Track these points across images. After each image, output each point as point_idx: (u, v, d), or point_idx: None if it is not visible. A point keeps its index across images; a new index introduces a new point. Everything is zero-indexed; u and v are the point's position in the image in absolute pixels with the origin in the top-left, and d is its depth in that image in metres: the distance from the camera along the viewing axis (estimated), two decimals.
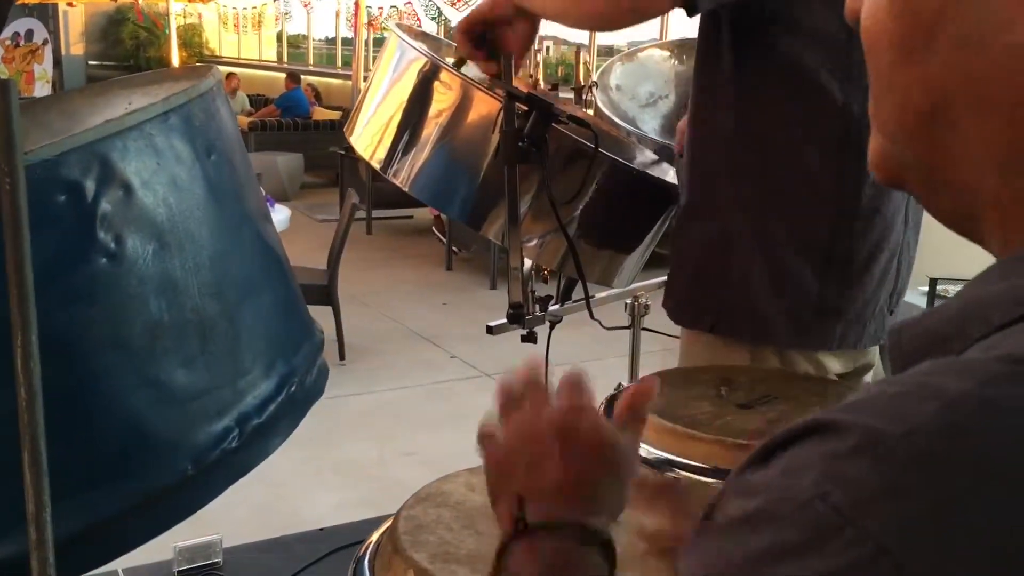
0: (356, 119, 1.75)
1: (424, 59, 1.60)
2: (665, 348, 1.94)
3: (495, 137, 1.51)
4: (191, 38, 15.69)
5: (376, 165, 1.66)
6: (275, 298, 1.08)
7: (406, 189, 1.64)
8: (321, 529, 1.97)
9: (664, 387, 1.37)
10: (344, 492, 3.76)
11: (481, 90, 1.57)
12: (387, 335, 5.81)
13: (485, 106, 1.54)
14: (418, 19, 9.57)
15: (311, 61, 14.96)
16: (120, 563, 2.40)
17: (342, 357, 5.15)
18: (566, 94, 4.03)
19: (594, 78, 2.34)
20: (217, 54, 16.20)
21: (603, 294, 1.95)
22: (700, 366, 1.57)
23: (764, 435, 0.43)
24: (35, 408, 0.82)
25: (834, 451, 0.38)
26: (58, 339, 0.85)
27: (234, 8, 15.26)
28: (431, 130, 1.60)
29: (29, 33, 14.96)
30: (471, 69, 1.74)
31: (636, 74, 2.50)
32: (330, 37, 15.40)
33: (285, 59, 15.79)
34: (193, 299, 0.95)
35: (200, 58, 15.82)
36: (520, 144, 1.46)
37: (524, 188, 1.53)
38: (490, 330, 1.82)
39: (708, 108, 1.60)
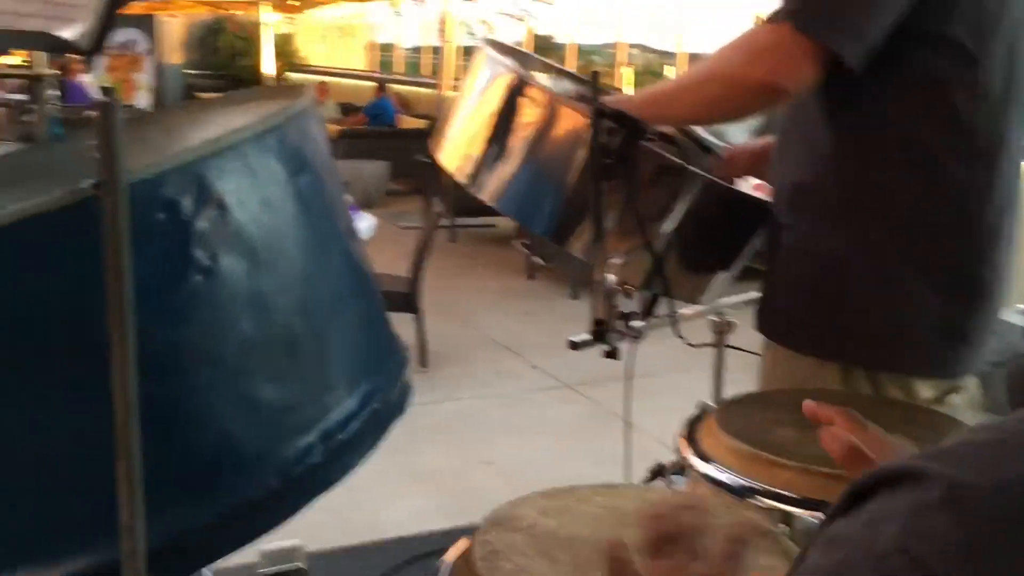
0: (443, 134, 1.77)
1: (512, 74, 1.61)
2: (747, 364, 1.90)
3: (582, 153, 1.51)
4: (284, 47, 16.07)
5: (462, 180, 1.67)
6: (361, 315, 1.09)
7: (492, 204, 1.64)
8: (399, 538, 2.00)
9: (746, 410, 1.35)
10: (422, 499, 3.80)
11: (569, 105, 1.57)
12: (469, 343, 5.84)
13: (572, 121, 1.54)
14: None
15: (398, 70, 15.18)
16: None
17: (424, 364, 5.20)
18: None
19: None
20: (308, 63, 16.56)
21: (688, 311, 1.92)
22: (783, 388, 1.53)
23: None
24: (131, 421, 0.85)
25: (918, 503, 0.37)
26: (154, 354, 0.88)
27: (325, 19, 15.60)
28: (517, 145, 1.60)
29: (132, 43, 15.53)
30: (556, 84, 1.74)
31: None
32: (418, 46, 15.62)
33: (374, 68, 16.06)
34: (283, 316, 0.96)
35: (292, 67, 16.20)
36: (606, 161, 1.45)
37: (610, 204, 1.52)
38: (574, 346, 1.81)
39: (809, 123, 1.55)
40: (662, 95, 1.60)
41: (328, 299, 1.03)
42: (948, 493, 0.36)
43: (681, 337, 1.81)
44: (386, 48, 16.71)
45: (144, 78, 15.36)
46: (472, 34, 10.89)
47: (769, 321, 1.66)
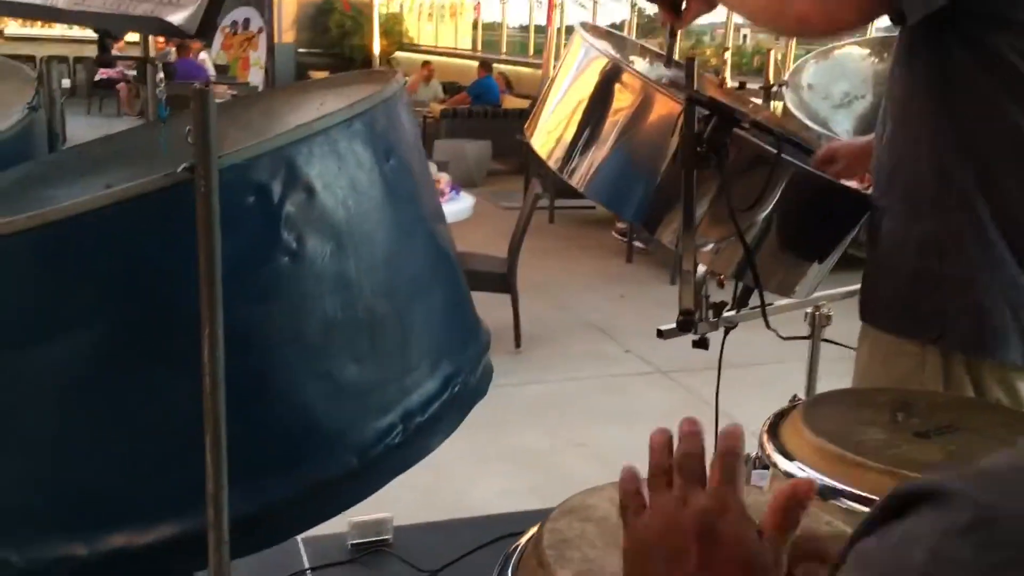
0: (537, 117, 1.77)
1: (606, 59, 1.60)
2: (845, 357, 1.86)
3: (674, 140, 1.49)
4: (392, 27, 16.27)
5: (553, 165, 1.67)
6: (444, 298, 1.11)
7: (581, 190, 1.64)
8: (487, 516, 2.02)
9: (834, 407, 1.32)
10: (511, 480, 3.83)
11: (662, 92, 1.55)
12: (563, 325, 5.84)
13: (665, 108, 1.52)
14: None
15: (504, 50, 15.19)
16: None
17: (518, 345, 5.22)
18: (755, 86, 3.92)
19: (785, 76, 2.26)
20: (415, 42, 16.73)
21: (782, 302, 1.88)
22: (876, 387, 1.49)
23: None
24: (218, 395, 0.88)
25: (947, 527, 0.36)
26: (242, 332, 0.91)
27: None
28: (610, 131, 1.59)
29: (246, 22, 15.96)
30: (651, 70, 1.72)
31: (831, 72, 2.40)
32: (523, 25, 15.60)
33: (479, 47, 16.12)
34: (366, 298, 0.99)
35: (400, 46, 16.39)
36: (698, 149, 1.43)
37: (702, 192, 1.50)
38: (660, 334, 1.80)
39: (913, 109, 1.51)
40: None
41: (411, 282, 1.04)
42: (976, 518, 0.35)
43: (772, 329, 1.78)
44: (493, 27, 16.75)
45: (258, 56, 15.79)
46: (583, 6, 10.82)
47: (870, 307, 1.62)
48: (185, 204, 0.85)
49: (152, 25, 1.46)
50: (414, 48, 16.24)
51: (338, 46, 16.31)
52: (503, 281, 5.11)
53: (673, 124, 1.48)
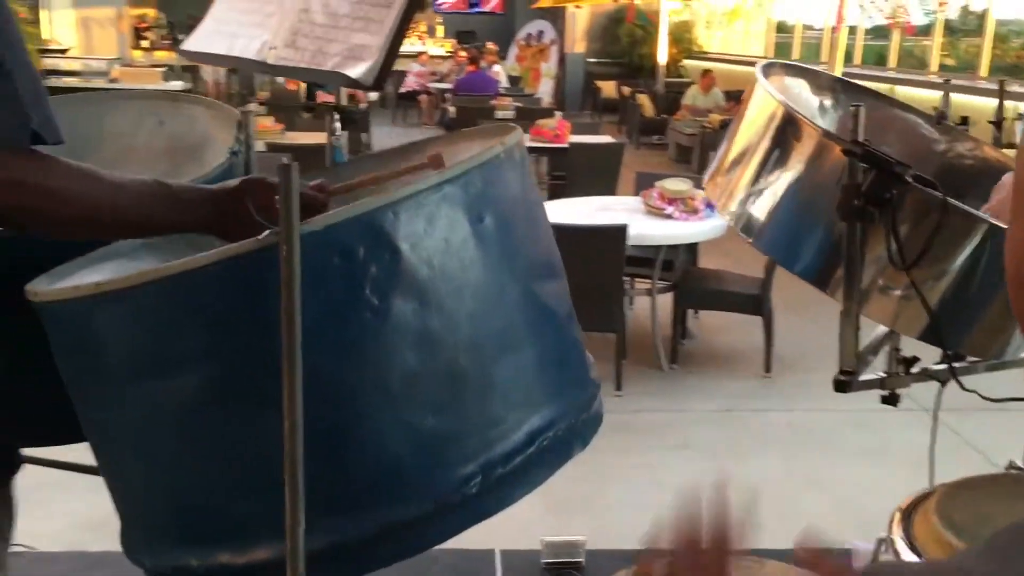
0: (713, 162, 1.73)
1: (777, 104, 1.53)
2: None
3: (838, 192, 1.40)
4: (682, 35, 16.19)
5: (726, 217, 1.63)
6: (539, 353, 1.13)
7: (751, 241, 1.58)
8: None
9: (974, 494, 1.18)
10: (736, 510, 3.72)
11: (836, 140, 1.47)
12: (818, 352, 5.53)
13: (831, 158, 1.44)
14: (907, 14, 8.90)
15: (796, 54, 14.64)
16: (496, 545, 2.65)
17: (767, 369, 5.05)
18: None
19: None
20: (704, 50, 16.53)
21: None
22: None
23: None
24: (295, 437, 0.97)
25: None
26: (326, 380, 0.99)
27: (716, 5, 15.46)
28: (781, 181, 1.53)
29: (540, 34, 16.57)
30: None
31: None
32: (820, 28, 14.91)
33: (772, 52, 15.63)
34: (448, 352, 1.04)
35: (688, 54, 16.26)
36: (856, 202, 1.34)
37: (871, 247, 1.40)
38: (839, 386, 1.70)
39: None
40: None
41: (498, 337, 1.08)
42: None
43: (967, 390, 1.63)
44: (786, 30, 16.16)
45: (549, 67, 16.33)
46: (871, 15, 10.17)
47: None
48: (277, 264, 0.95)
49: (338, 79, 1.61)
50: (703, 56, 16.05)
51: (627, 55, 16.48)
52: (756, 303, 4.97)
53: (840, 175, 1.40)
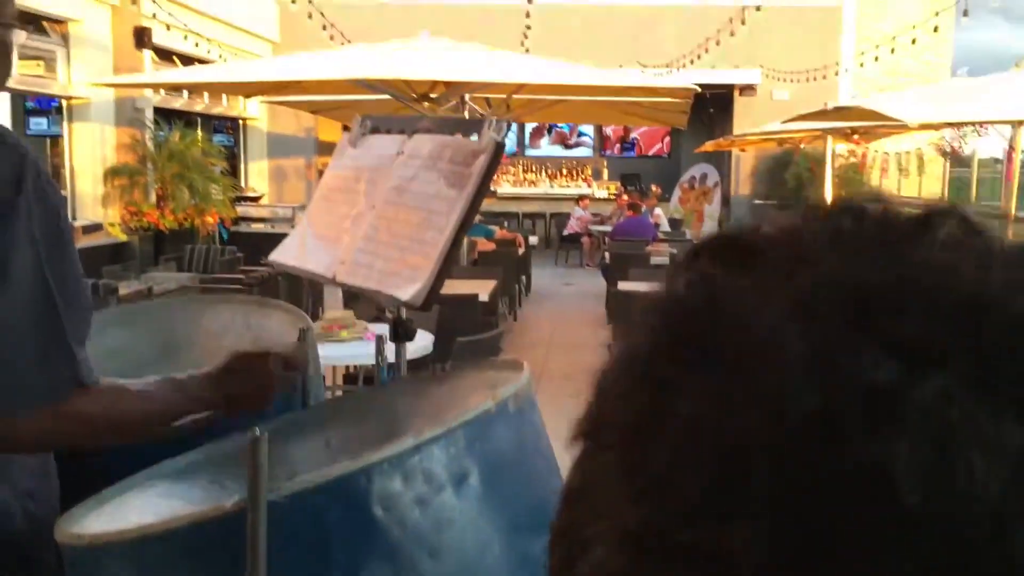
0: None
1: None
2: None
3: None
4: (851, 176, 15.88)
5: None
6: None
7: None
8: None
9: None
10: None
11: None
12: None
13: None
14: None
15: (974, 195, 14.03)
16: None
17: None
18: None
19: None
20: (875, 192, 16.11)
21: None
22: None
23: None
24: None
25: None
26: None
27: (889, 152, 15.11)
28: None
29: (703, 177, 16.68)
30: None
31: None
32: (1000, 163, 14.28)
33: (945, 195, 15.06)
34: None
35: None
36: None
37: None
38: None
39: None
40: None
41: None
42: None
43: None
44: (965, 165, 15.58)
45: (712, 209, 16.34)
46: None
47: None
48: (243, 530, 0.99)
49: (391, 301, 1.68)
50: None
51: (794, 196, 16.27)
52: None
53: None
